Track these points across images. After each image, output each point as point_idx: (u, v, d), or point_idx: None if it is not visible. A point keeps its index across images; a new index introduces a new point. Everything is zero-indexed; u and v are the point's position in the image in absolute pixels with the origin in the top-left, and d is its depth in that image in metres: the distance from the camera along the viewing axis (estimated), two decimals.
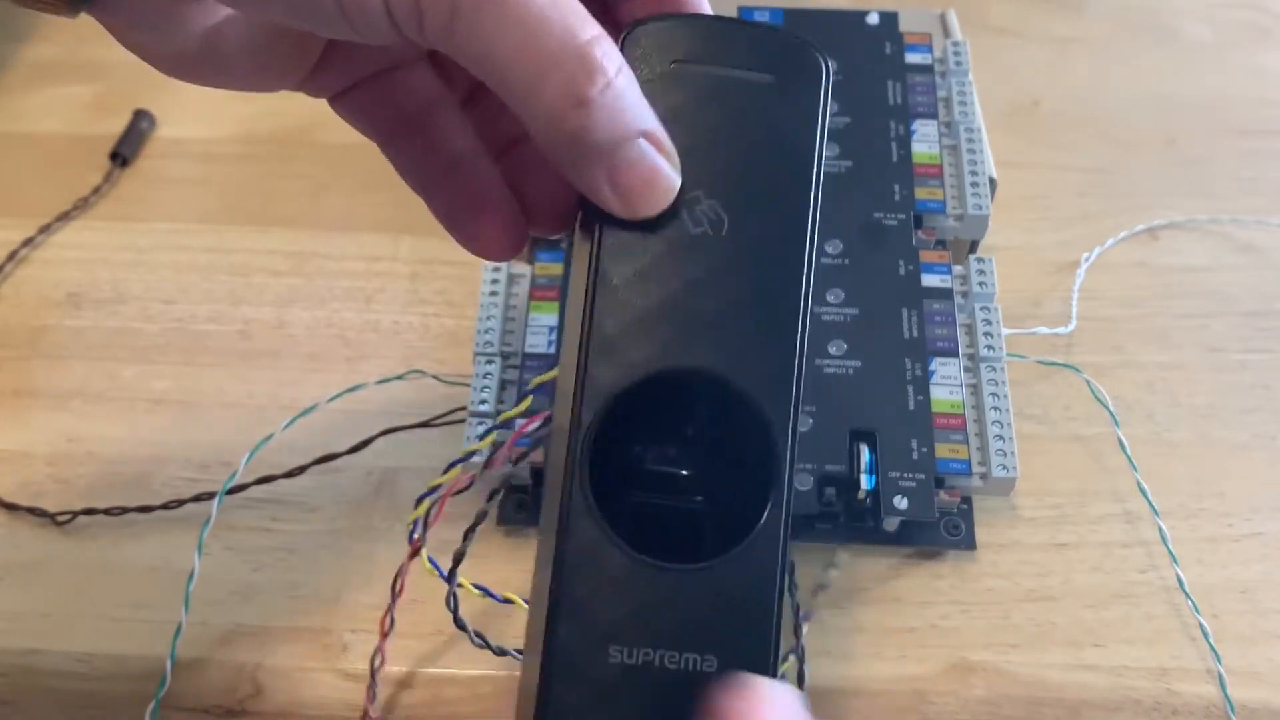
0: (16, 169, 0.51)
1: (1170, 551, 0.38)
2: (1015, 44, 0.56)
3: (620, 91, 0.25)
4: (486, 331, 0.40)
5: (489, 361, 0.39)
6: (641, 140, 0.25)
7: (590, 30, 0.24)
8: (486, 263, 0.41)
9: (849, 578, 0.38)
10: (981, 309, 0.40)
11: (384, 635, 0.35)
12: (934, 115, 0.44)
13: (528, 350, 0.39)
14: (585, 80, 0.24)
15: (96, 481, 0.40)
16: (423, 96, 0.30)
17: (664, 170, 0.26)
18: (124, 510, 0.39)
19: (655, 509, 0.26)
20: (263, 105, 0.52)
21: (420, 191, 0.31)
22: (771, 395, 0.26)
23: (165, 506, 0.39)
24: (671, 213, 0.26)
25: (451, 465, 0.34)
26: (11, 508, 0.40)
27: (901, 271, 0.41)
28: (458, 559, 0.34)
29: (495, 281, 0.41)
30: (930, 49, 0.46)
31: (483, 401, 0.38)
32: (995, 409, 0.38)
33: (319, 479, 0.40)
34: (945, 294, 0.40)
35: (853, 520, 0.38)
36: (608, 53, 0.24)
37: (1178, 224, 0.48)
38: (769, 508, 0.26)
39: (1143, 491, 0.39)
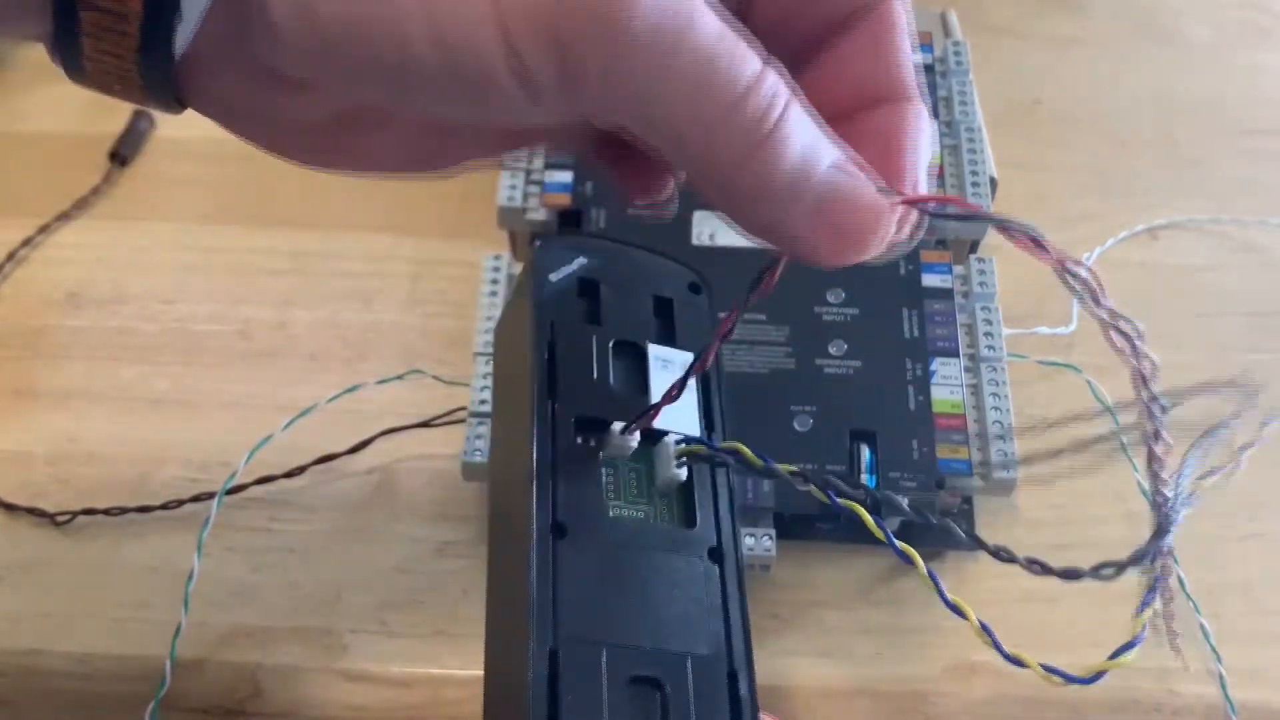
0: (16, 169, 0.51)
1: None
2: (1015, 44, 0.56)
3: (799, 118, 0.21)
4: (486, 331, 0.40)
5: (489, 361, 0.39)
6: (836, 168, 0.22)
7: (754, 64, 0.21)
8: (486, 263, 0.41)
9: (850, 578, 0.38)
10: (982, 309, 0.40)
11: None
12: (934, 115, 0.44)
13: None
14: (760, 121, 0.21)
15: (96, 482, 0.40)
16: None
17: (871, 195, 0.22)
18: (124, 510, 0.39)
19: None
20: None
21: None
22: None
23: (165, 506, 0.39)
24: None
25: None
26: (11, 508, 0.40)
27: (902, 271, 0.41)
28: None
29: (495, 282, 0.41)
30: (930, 49, 0.46)
31: (483, 401, 0.38)
32: (996, 409, 0.38)
33: (319, 479, 0.40)
34: (946, 294, 0.40)
35: (853, 520, 0.38)
36: (775, 85, 0.21)
37: (1178, 224, 0.48)
38: None
39: (1143, 491, 0.39)
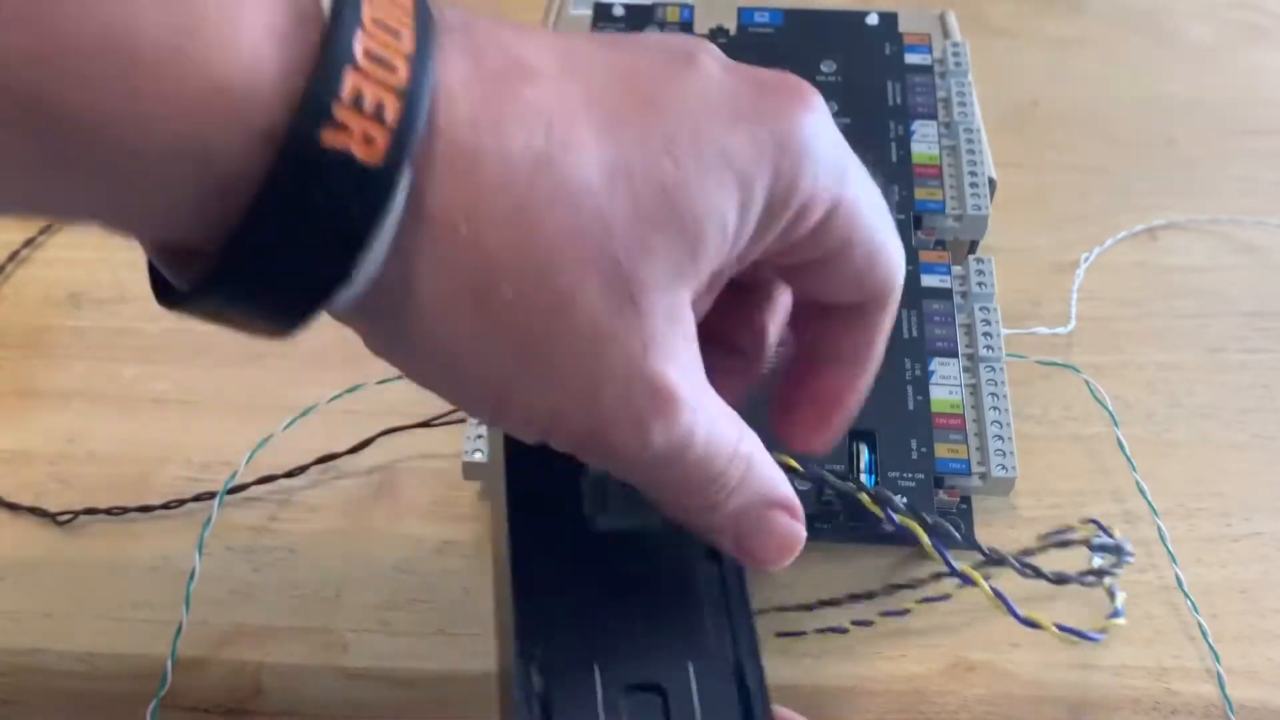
0: None
1: (1169, 551, 0.38)
2: (1014, 44, 0.56)
3: (756, 474, 0.27)
4: None
5: None
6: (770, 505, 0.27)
7: (730, 444, 0.26)
8: None
9: (849, 577, 0.38)
10: (981, 309, 0.40)
11: None
12: (933, 116, 0.45)
13: None
14: (725, 490, 0.26)
15: (97, 481, 0.41)
16: None
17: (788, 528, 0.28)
18: (125, 510, 0.39)
19: None
20: None
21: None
22: None
23: (166, 506, 0.39)
24: None
25: None
26: (12, 508, 0.40)
27: None
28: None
29: None
30: (930, 49, 0.46)
31: None
32: (994, 409, 0.38)
33: (319, 479, 0.40)
34: (945, 294, 0.40)
35: (852, 520, 0.38)
36: (746, 455, 0.26)
37: (1177, 224, 0.48)
38: None
39: (1142, 491, 0.39)
